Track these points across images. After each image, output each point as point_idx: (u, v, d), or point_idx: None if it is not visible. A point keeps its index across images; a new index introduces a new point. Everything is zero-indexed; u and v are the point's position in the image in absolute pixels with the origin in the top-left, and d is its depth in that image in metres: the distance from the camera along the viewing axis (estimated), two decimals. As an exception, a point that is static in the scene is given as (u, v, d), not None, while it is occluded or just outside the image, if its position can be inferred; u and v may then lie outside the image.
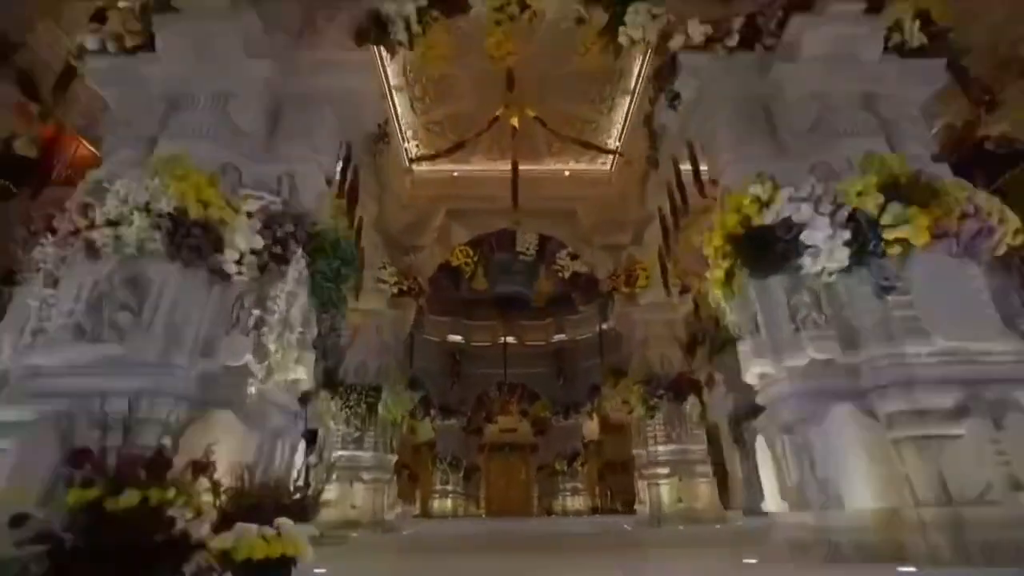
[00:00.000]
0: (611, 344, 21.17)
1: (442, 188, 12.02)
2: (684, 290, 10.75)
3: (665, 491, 9.17)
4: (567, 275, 11.45)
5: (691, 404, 9.72)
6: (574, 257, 11.54)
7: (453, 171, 12.02)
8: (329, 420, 9.65)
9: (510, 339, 22.27)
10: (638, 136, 9.84)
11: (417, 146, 10.34)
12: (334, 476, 9.13)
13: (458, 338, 22.20)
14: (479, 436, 25.00)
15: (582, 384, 21.67)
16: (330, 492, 9.05)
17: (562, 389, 21.66)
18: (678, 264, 9.86)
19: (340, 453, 9.41)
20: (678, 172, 8.51)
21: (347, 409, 9.54)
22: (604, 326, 21.35)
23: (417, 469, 25.58)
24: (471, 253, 11.49)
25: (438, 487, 20.75)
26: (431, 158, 9.78)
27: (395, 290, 10.46)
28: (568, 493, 20.66)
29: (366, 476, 9.16)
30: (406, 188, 11.91)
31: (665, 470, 9.29)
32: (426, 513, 20.95)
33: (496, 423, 25.46)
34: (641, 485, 9.70)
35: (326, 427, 9.80)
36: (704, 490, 9.19)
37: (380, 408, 9.58)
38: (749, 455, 14.38)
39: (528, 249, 11.58)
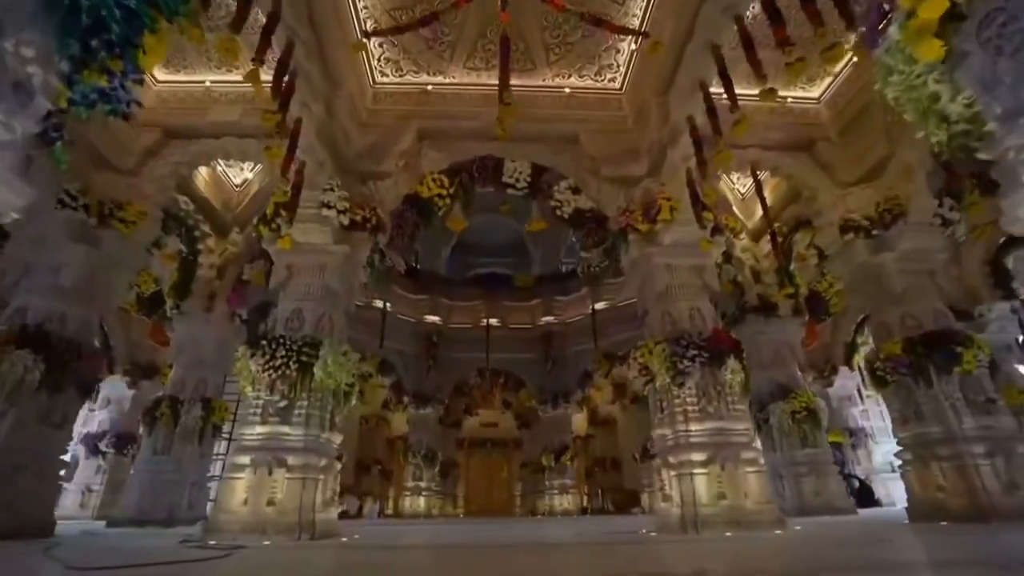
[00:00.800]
0: (605, 326, 18.76)
1: (411, 104, 9.36)
2: (716, 230, 8.23)
3: (702, 485, 6.58)
4: (567, 212, 8.79)
5: (731, 370, 7.21)
6: (576, 191, 8.92)
7: (426, 84, 9.37)
8: (247, 386, 6.91)
9: (493, 321, 19.62)
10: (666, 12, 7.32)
11: (374, 24, 7.66)
12: (246, 461, 6.40)
13: (435, 319, 19.47)
14: (458, 429, 22.37)
15: (572, 371, 19.10)
16: (237, 483, 6.40)
17: (550, 376, 19.04)
18: (713, 192, 7.32)
19: (258, 430, 6.66)
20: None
21: (271, 370, 6.82)
22: (597, 306, 18.93)
23: (391, 465, 22.84)
24: (446, 183, 8.82)
25: (410, 483, 17.93)
26: (392, 32, 7.10)
27: (345, 220, 7.78)
28: (556, 492, 17.98)
29: (292, 461, 6.42)
30: (365, 103, 9.23)
31: (701, 456, 6.70)
32: (399, 513, 18.12)
33: (477, 415, 22.84)
34: (665, 476, 7.08)
35: (243, 394, 7.03)
36: (754, 483, 6.62)
37: (317, 371, 6.87)
38: (776, 445, 12.03)
39: (518, 180, 8.95)
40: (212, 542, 5.78)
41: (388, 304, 18.42)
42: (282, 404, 6.83)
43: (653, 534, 6.72)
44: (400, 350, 18.70)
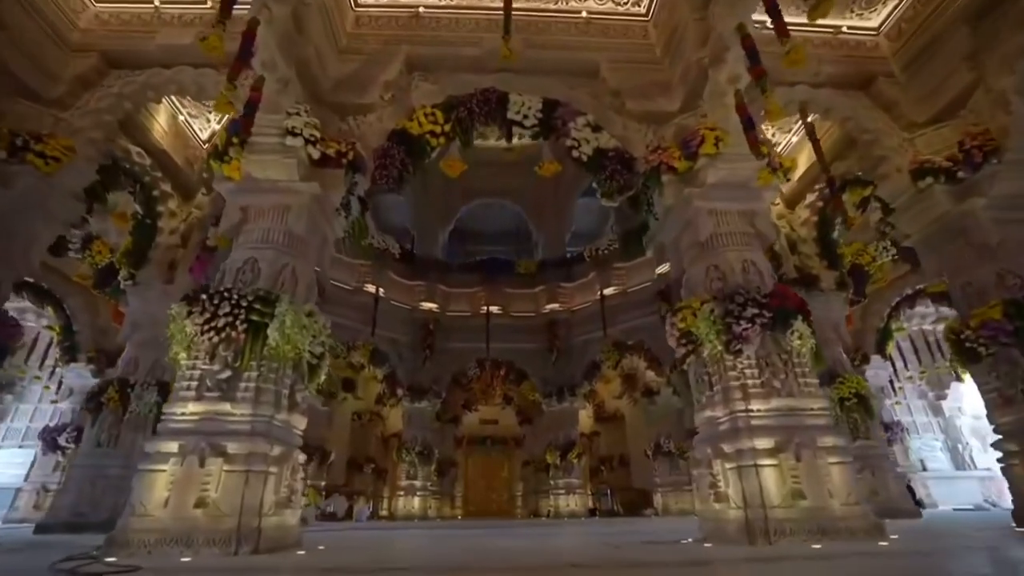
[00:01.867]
0: (614, 314, 17.10)
1: (399, 29, 7.71)
2: (772, 168, 6.56)
3: (771, 480, 4.89)
4: (586, 153, 7.12)
5: (798, 334, 5.54)
6: (596, 128, 7.24)
7: (417, 6, 7.72)
8: (181, 352, 5.22)
9: (494, 309, 17.92)
10: None
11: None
12: (172, 448, 4.71)
13: (432, 306, 17.76)
14: (456, 426, 20.63)
15: (578, 361, 17.39)
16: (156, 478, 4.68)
17: (555, 367, 17.32)
18: (778, 107, 5.67)
19: (191, 409, 4.96)
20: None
21: (212, 332, 5.13)
22: (606, 292, 17.26)
23: (385, 464, 21.07)
24: (440, 119, 7.15)
25: (404, 482, 16.15)
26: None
27: (314, 153, 6.12)
28: (561, 491, 16.22)
29: (234, 448, 4.73)
30: (346, 26, 7.57)
31: (767, 442, 5.01)
32: (392, 515, 16.34)
33: (476, 411, 21.11)
34: (718, 469, 5.37)
35: (176, 363, 5.31)
36: (839, 478, 4.94)
37: (272, 334, 5.19)
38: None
39: (526, 117, 7.28)
40: (110, 559, 4.08)
41: (381, 289, 16.75)
42: (224, 375, 5.11)
43: (708, 545, 5.01)
44: (394, 339, 16.99)
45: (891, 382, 14.87)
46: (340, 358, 16.17)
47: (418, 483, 15.99)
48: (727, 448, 5.33)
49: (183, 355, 5.25)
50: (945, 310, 12.82)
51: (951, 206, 6.89)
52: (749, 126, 5.89)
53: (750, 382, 5.42)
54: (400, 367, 16.82)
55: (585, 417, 20.71)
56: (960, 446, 16.79)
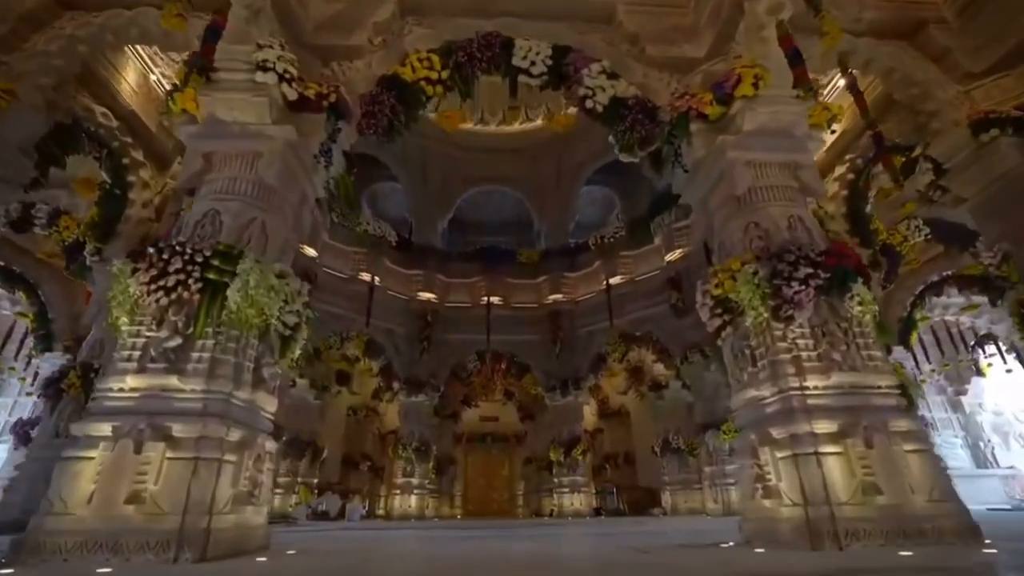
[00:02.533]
0: (621, 304, 16.17)
1: (392, -34, 6.79)
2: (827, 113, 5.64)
3: (836, 470, 3.96)
4: (601, 103, 6.18)
5: (859, 299, 4.62)
6: (613, 76, 6.30)
7: (412, -58, 6.79)
8: (123, 317, 4.27)
9: (494, 299, 16.97)
10: None
11: None
12: (105, 431, 3.76)
13: (430, 296, 16.80)
14: (455, 422, 19.69)
15: (583, 354, 16.43)
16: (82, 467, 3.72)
17: (558, 360, 16.35)
18: (837, 27, 4.77)
19: (130, 383, 4.02)
20: None
21: (161, 292, 4.19)
22: (612, 281, 16.32)
23: (382, 462, 20.09)
24: (437, 64, 6.21)
25: (400, 480, 15.16)
26: None
27: (290, 93, 5.19)
28: (565, 490, 15.24)
29: (180, 431, 3.79)
30: (331, -38, 6.64)
31: (829, 425, 4.08)
32: (388, 514, 15.36)
33: (476, 407, 20.18)
34: (767, 458, 4.43)
35: (115, 330, 4.35)
36: (919, 470, 4.00)
37: (233, 295, 4.26)
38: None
39: (534, 64, 6.35)
40: (6, 571, 3.13)
41: (376, 278, 15.81)
42: (173, 344, 4.16)
43: (760, 550, 4.05)
44: (390, 330, 16.04)
45: (913, 376, 13.91)
46: (333, 349, 15.23)
47: (415, 481, 15.02)
48: (777, 433, 4.38)
49: (125, 320, 4.31)
50: (977, 298, 11.89)
51: (1020, 160, 5.96)
52: (796, 59, 4.99)
53: (804, 355, 4.48)
54: (396, 359, 15.86)
55: (588, 413, 19.74)
56: (982, 443, 15.87)
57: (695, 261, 13.93)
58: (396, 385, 15.71)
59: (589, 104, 6.28)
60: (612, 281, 15.98)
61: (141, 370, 4.09)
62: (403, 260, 16.86)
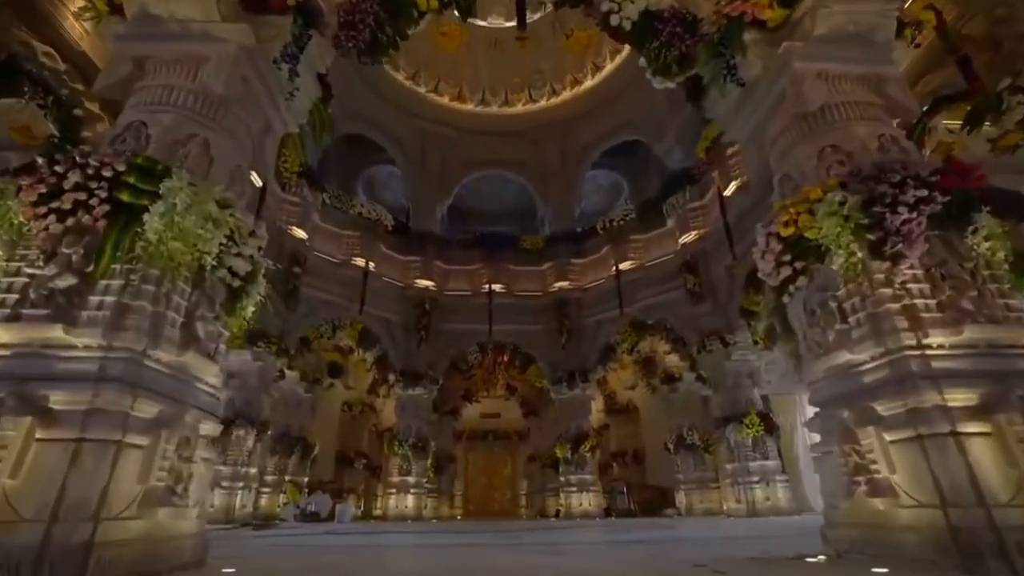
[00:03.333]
0: (631, 291, 14.97)
1: None
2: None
3: (986, 458, 2.79)
4: (630, 19, 4.98)
5: (988, 234, 3.47)
6: (641, -13, 5.12)
7: None
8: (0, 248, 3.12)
9: (496, 287, 15.77)
10: None
11: None
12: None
13: (428, 284, 15.60)
14: (455, 418, 18.49)
15: (591, 344, 15.21)
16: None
17: (565, 351, 15.13)
18: None
19: None
20: None
21: (53, 216, 3.02)
22: (622, 266, 15.13)
23: (379, 460, 18.87)
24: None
25: (396, 478, 13.91)
26: None
27: (244, -15, 4.03)
28: (573, 489, 14.00)
29: (60, 401, 2.62)
30: None
31: (966, 396, 2.92)
32: (384, 515, 14.11)
33: (477, 403, 18.97)
34: (873, 444, 3.25)
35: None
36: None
37: (152, 222, 3.10)
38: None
39: (548, -27, 5.20)
40: None
41: (371, 264, 14.62)
42: (64, 284, 2.97)
43: (882, 570, 2.83)
44: (385, 319, 14.83)
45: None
46: (325, 338, 14.02)
47: (412, 479, 13.77)
48: (885, 408, 3.19)
49: (1, 255, 3.11)
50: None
51: None
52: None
53: (920, 303, 3.29)
54: (392, 350, 14.64)
55: (595, 409, 18.51)
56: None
57: (712, 243, 12.77)
58: (392, 377, 14.49)
59: (615, 20, 5.09)
60: (622, 267, 14.78)
61: (14, 318, 2.89)
62: (400, 245, 15.67)
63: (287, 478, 13.00)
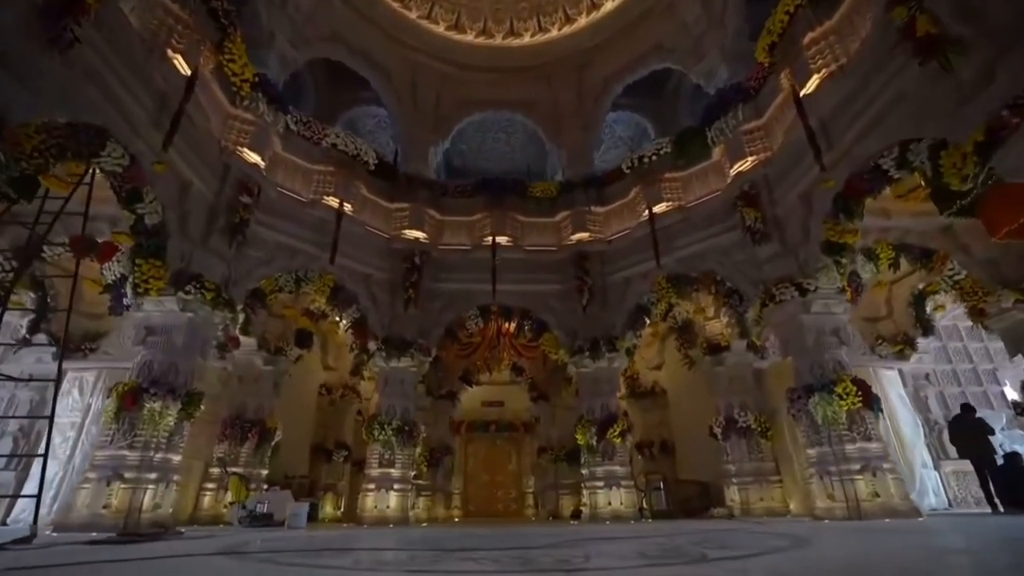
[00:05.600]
0: (669, 239, 11.78)
1: None
2: None
3: None
4: None
5: None
6: None
7: None
8: None
9: (502, 240, 12.61)
10: None
11: None
12: None
13: (419, 235, 12.42)
14: (452, 403, 15.34)
15: (618, 305, 12.03)
16: None
17: (586, 314, 11.94)
18: None
19: None
20: None
21: None
22: (656, 209, 11.97)
23: (363, 452, 15.59)
24: None
25: (375, 471, 10.62)
26: None
27: None
28: (599, 483, 10.72)
29: None
30: None
31: None
32: (359, 517, 10.81)
33: (478, 384, 15.79)
34: None
35: None
36: None
37: None
38: None
39: None
40: None
41: (348, 206, 11.45)
42: None
43: None
44: (365, 275, 11.64)
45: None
46: (286, 292, 10.81)
47: (396, 472, 10.50)
48: None
49: None
50: None
51: None
52: None
53: None
54: (373, 312, 11.43)
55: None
56: None
57: (778, 168, 9.64)
58: (373, 345, 11.25)
59: None
60: (656, 210, 11.61)
61: None
62: (385, 190, 12.52)
63: (230, 471, 9.74)
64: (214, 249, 8.98)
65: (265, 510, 9.10)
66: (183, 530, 7.25)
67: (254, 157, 9.93)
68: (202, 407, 8.40)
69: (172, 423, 7.82)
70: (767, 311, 9.34)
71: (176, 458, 7.95)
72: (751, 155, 10.24)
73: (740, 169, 10.32)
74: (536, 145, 16.46)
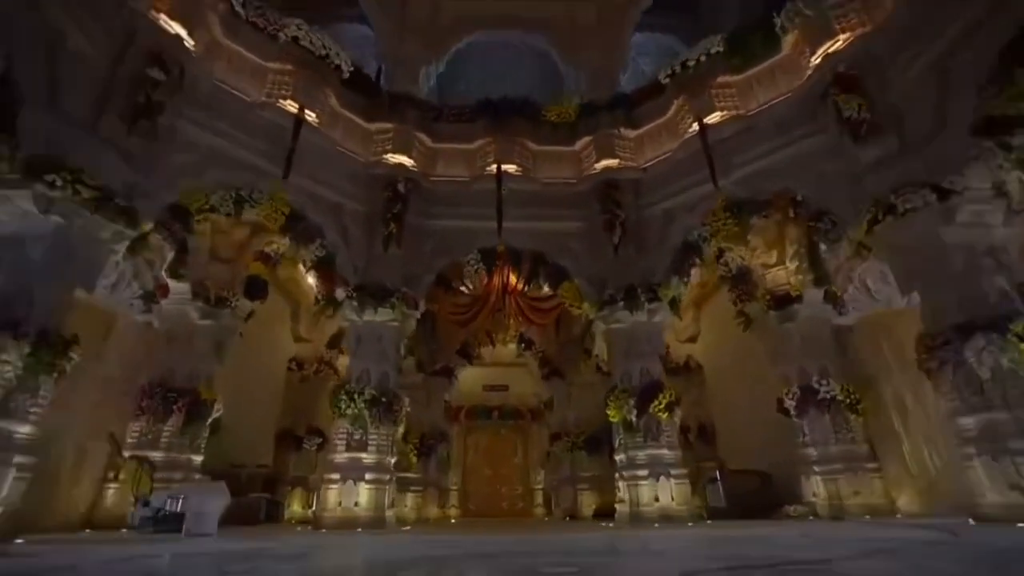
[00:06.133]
0: (726, 156, 8.97)
1: None
2: None
3: None
4: None
5: None
6: None
7: None
8: None
9: (509, 168, 9.84)
10: None
11: None
12: None
13: (405, 161, 9.66)
14: (448, 382, 12.65)
15: (659, 246, 9.27)
16: None
17: (617, 256, 9.18)
18: None
19: None
20: None
21: None
22: (708, 121, 9.23)
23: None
24: None
25: (341, 457, 7.79)
26: None
27: None
28: (641, 472, 7.91)
29: None
30: None
31: None
32: (317, 519, 7.93)
33: (479, 359, 13.11)
34: None
35: None
36: None
37: None
38: None
39: None
40: None
41: (313, 115, 8.72)
42: None
43: None
44: (335, 204, 8.89)
45: None
46: (220, 213, 8.04)
47: (368, 458, 7.68)
48: None
49: None
50: None
51: None
52: None
53: None
54: (343, 250, 8.67)
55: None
56: None
57: (888, 41, 6.92)
58: (341, 293, 8.47)
59: None
60: (709, 120, 8.87)
61: None
62: (363, 107, 9.76)
63: (127, 455, 6.94)
64: (107, 137, 6.23)
65: (176, 508, 6.28)
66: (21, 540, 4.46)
67: (176, 28, 7.20)
68: (74, 358, 5.61)
69: (14, 377, 5.05)
70: (882, 230, 6.57)
71: (23, 430, 5.17)
72: (843, 33, 7.52)
73: (831, 50, 7.58)
74: (549, 81, 13.74)
